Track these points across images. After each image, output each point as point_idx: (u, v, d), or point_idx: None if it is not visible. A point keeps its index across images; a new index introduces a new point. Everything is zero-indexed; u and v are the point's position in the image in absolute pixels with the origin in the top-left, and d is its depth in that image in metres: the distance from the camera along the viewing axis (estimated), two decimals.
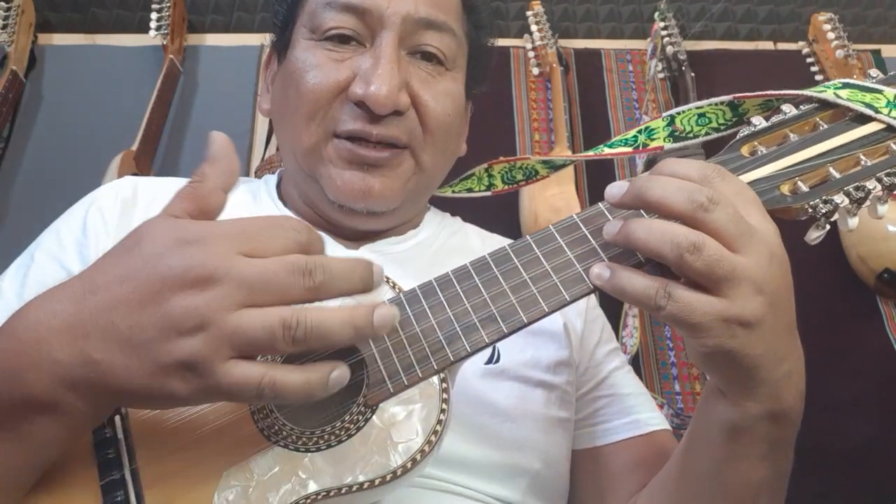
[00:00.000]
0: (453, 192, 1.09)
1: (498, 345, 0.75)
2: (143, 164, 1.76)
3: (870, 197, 0.63)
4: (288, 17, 0.91)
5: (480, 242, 1.03)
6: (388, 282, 0.68)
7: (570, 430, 0.90)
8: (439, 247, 0.97)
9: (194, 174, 0.57)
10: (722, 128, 0.81)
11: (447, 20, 0.86)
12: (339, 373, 0.54)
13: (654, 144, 0.85)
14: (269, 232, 0.53)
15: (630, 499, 0.85)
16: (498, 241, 1.05)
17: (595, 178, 1.94)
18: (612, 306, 1.59)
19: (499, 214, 1.50)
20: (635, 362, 1.70)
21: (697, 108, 0.81)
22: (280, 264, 0.51)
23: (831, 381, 1.62)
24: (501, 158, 1.08)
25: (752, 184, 0.63)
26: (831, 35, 2.03)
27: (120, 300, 0.50)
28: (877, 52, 2.17)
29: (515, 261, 0.64)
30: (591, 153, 0.90)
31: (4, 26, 1.92)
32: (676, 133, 0.83)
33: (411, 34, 0.84)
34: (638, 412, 0.93)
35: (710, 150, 1.63)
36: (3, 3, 1.94)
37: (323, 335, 0.52)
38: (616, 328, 1.64)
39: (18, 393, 0.51)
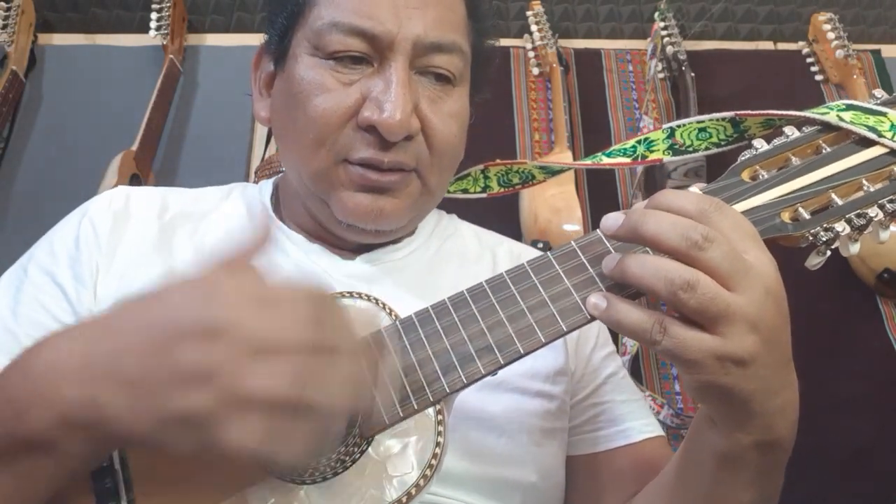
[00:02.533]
0: (448, 192, 1.07)
1: None
2: (143, 164, 1.76)
3: (871, 223, 0.62)
4: (287, 25, 0.88)
5: (477, 242, 1.02)
6: (384, 308, 0.67)
7: (564, 439, 0.90)
8: (434, 252, 0.96)
9: (232, 242, 0.56)
10: (722, 143, 0.81)
11: (455, 39, 0.85)
12: (338, 428, 0.52)
13: (652, 157, 0.84)
14: (284, 291, 0.52)
15: None
16: (494, 239, 1.05)
17: (595, 180, 1.94)
18: None
19: (499, 215, 1.50)
20: (635, 362, 1.70)
21: (698, 122, 0.81)
22: (290, 320, 0.50)
23: (831, 381, 1.62)
24: (498, 161, 1.07)
25: (752, 210, 0.63)
26: (831, 35, 2.03)
27: (132, 346, 0.50)
28: (877, 52, 2.17)
29: (513, 288, 0.63)
30: (588, 161, 0.89)
31: (4, 26, 1.91)
32: (676, 146, 0.83)
33: (420, 56, 0.82)
34: (632, 420, 0.93)
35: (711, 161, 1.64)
36: (3, 3, 1.93)
37: (328, 397, 0.50)
38: None
39: (22, 428, 0.51)
